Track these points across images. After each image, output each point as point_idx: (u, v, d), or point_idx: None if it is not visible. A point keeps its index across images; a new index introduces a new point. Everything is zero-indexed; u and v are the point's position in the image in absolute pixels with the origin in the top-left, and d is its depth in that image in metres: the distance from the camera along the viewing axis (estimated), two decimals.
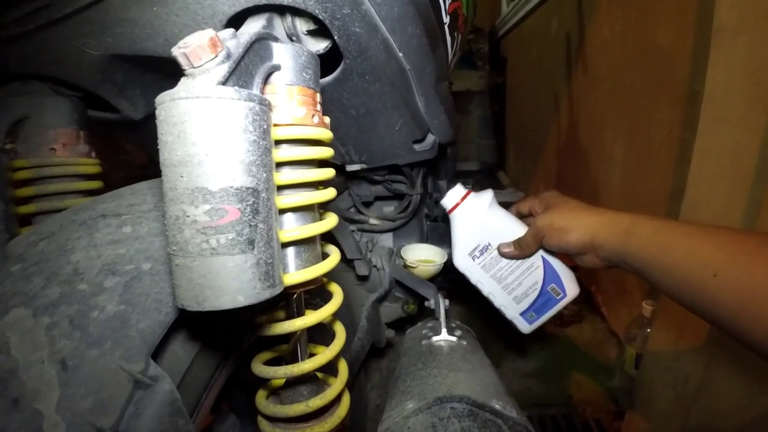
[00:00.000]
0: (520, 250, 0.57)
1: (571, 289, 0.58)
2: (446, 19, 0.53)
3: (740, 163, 0.73)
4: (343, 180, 0.80)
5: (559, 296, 0.58)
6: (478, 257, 0.61)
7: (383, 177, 0.80)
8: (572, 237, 0.50)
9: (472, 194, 0.64)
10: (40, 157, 0.53)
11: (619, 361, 1.11)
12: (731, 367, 0.71)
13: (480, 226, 0.61)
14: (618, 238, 0.46)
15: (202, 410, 0.39)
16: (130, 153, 1.43)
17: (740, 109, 0.74)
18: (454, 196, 0.63)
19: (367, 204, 0.85)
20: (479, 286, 0.62)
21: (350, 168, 0.67)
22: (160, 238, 0.36)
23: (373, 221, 0.83)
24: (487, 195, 0.62)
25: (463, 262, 0.63)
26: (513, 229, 0.59)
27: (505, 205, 0.64)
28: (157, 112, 0.26)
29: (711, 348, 0.75)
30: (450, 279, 0.85)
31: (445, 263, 0.79)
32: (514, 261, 0.59)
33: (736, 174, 0.73)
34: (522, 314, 0.60)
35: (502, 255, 0.59)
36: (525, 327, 0.60)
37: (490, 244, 0.60)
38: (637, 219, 0.46)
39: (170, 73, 0.45)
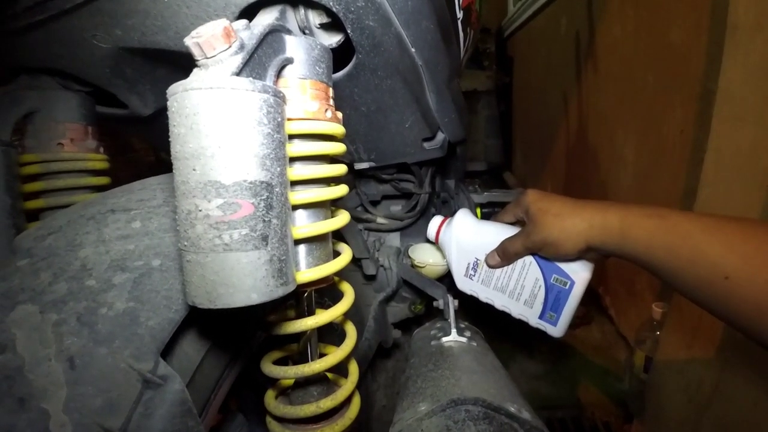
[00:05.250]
0: (505, 259, 0.56)
1: (578, 273, 0.53)
2: (460, 15, 0.53)
3: (757, 163, 0.71)
4: (351, 178, 0.79)
5: (568, 285, 0.54)
6: (474, 275, 0.61)
7: (391, 175, 0.79)
8: (567, 248, 0.48)
9: (448, 220, 0.66)
10: (48, 152, 0.53)
11: (628, 364, 1.10)
12: (747, 371, 0.70)
13: (460, 245, 0.62)
14: (614, 242, 0.44)
15: (211, 410, 0.38)
16: (138, 152, 1.43)
17: (757, 108, 0.73)
18: (432, 227, 0.68)
19: (375, 203, 0.84)
20: (490, 302, 0.61)
21: (359, 166, 0.67)
22: (170, 234, 0.35)
23: (380, 220, 0.82)
24: (459, 214, 0.64)
25: (463, 285, 0.63)
26: (491, 236, 0.58)
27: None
28: (169, 103, 0.25)
29: (725, 351, 0.74)
30: None
31: None
32: (507, 267, 0.58)
33: (753, 174, 0.72)
34: (541, 318, 0.57)
35: (490, 267, 0.58)
36: (553, 330, 0.57)
37: (477, 259, 0.60)
38: (629, 219, 0.43)
39: (181, 67, 0.44)
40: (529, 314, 0.58)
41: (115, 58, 0.45)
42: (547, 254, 0.52)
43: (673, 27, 0.97)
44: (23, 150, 0.53)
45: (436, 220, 0.68)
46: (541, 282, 0.55)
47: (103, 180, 0.58)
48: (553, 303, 0.55)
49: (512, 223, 0.59)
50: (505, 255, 0.56)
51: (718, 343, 0.75)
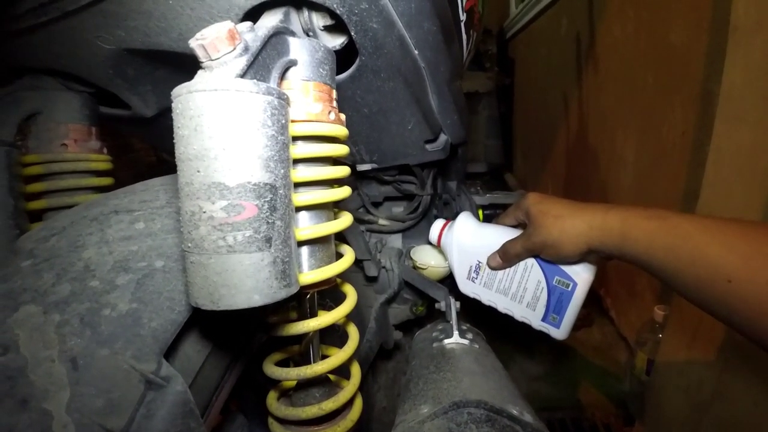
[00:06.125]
0: (506, 260, 0.56)
1: (580, 274, 0.52)
2: (462, 17, 0.53)
3: (758, 164, 0.71)
4: (353, 180, 0.80)
5: (570, 287, 0.53)
6: (476, 278, 0.61)
7: (393, 177, 0.79)
8: (567, 250, 0.48)
9: (449, 223, 0.67)
10: (51, 152, 0.53)
11: (629, 365, 1.10)
12: (747, 373, 0.70)
13: (462, 248, 0.62)
14: (614, 243, 0.44)
15: (213, 411, 0.38)
16: (139, 152, 1.43)
17: (758, 109, 0.73)
18: (434, 230, 0.68)
19: (377, 204, 0.85)
20: (493, 305, 0.61)
21: (361, 168, 0.67)
22: (173, 235, 0.35)
23: (382, 222, 0.82)
24: (460, 218, 0.64)
25: (466, 288, 0.63)
26: (492, 239, 0.58)
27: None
28: (173, 105, 0.25)
29: (726, 353, 0.74)
30: None
31: None
32: (508, 269, 0.58)
33: (753, 175, 0.72)
34: (544, 320, 0.57)
35: (492, 268, 0.58)
36: (556, 332, 0.57)
37: (480, 262, 0.60)
38: (629, 220, 0.43)
39: (183, 69, 0.44)
40: (532, 317, 0.58)
41: (118, 59, 0.45)
42: (548, 256, 0.52)
43: (673, 28, 0.97)
44: (26, 151, 0.53)
45: (437, 224, 0.68)
46: (544, 284, 0.55)
47: (106, 181, 0.58)
48: (555, 305, 0.55)
49: (514, 226, 0.59)
50: (506, 256, 0.56)
51: (718, 344, 0.75)
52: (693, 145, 0.88)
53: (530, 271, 0.56)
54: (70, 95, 0.54)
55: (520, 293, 0.57)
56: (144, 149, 1.45)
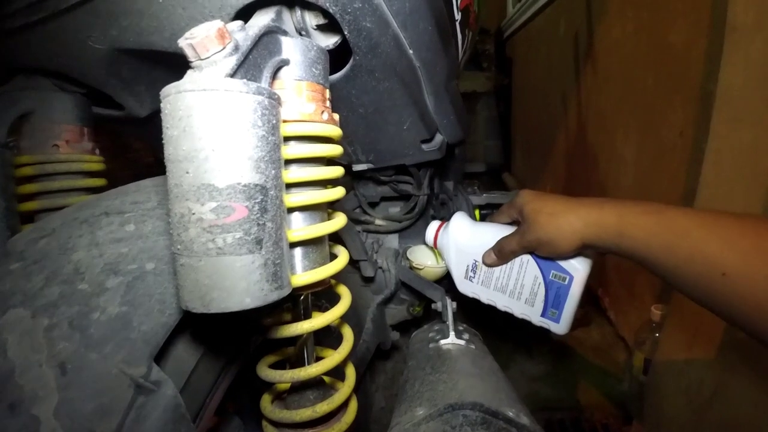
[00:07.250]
0: (501, 258, 0.56)
1: (576, 267, 0.52)
2: (458, 16, 0.52)
3: (757, 164, 0.71)
4: (349, 180, 0.79)
5: (567, 281, 0.53)
6: (474, 277, 0.61)
7: (389, 177, 0.79)
8: (563, 247, 0.48)
9: (444, 224, 0.67)
10: (43, 153, 0.52)
11: (628, 365, 1.10)
12: (747, 373, 0.69)
13: (458, 248, 0.62)
14: (611, 240, 0.44)
15: (206, 414, 0.38)
16: (137, 152, 1.43)
17: (756, 109, 0.72)
18: (430, 232, 0.68)
19: (373, 204, 0.84)
20: (492, 303, 0.61)
21: (357, 168, 0.66)
22: (165, 237, 0.35)
23: (378, 222, 0.82)
24: (455, 217, 0.65)
25: (464, 287, 0.63)
26: (488, 237, 0.58)
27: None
28: (162, 105, 0.25)
29: (725, 352, 0.73)
30: None
31: None
32: (505, 266, 0.57)
33: (753, 175, 0.72)
34: (544, 315, 0.56)
35: (487, 265, 0.58)
36: (556, 327, 0.56)
37: (476, 261, 0.60)
38: (625, 217, 0.43)
39: (177, 68, 0.44)
40: (531, 313, 0.57)
41: (111, 59, 0.45)
42: (544, 253, 0.52)
43: (673, 28, 0.97)
44: (18, 151, 0.52)
45: (433, 225, 0.68)
46: (540, 279, 0.55)
47: (99, 182, 0.57)
48: (553, 300, 0.55)
49: (508, 224, 0.59)
50: (501, 254, 0.55)
51: (718, 344, 0.75)
52: (692, 145, 0.88)
53: (526, 266, 0.55)
54: (63, 96, 0.54)
55: (518, 290, 0.57)
56: (142, 150, 1.45)
